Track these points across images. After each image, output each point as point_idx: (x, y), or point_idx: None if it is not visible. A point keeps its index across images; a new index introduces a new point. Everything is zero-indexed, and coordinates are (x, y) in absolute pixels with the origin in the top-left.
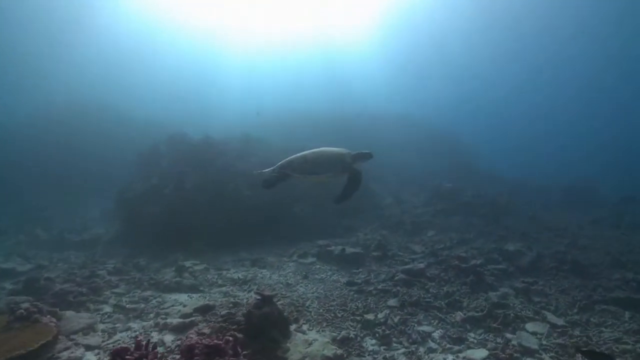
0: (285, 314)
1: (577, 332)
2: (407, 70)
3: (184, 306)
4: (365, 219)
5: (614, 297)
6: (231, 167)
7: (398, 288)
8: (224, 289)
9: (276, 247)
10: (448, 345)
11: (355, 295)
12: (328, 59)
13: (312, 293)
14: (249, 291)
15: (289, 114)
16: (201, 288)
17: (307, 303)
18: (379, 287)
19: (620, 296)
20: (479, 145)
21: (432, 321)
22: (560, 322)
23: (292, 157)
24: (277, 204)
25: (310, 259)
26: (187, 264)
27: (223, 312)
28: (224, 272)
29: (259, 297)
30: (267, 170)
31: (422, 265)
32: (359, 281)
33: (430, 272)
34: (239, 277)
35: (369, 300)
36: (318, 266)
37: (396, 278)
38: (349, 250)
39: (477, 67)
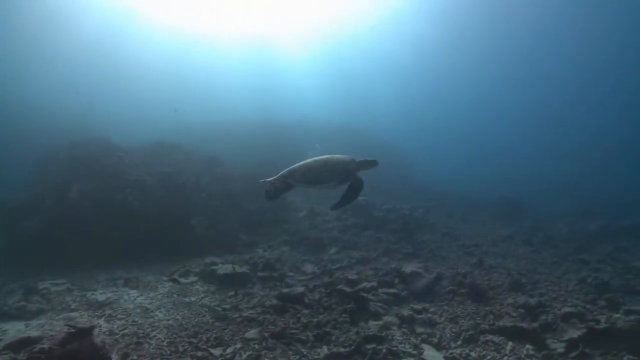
0: (116, 347)
1: None
2: (349, 81)
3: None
4: (270, 233)
5: (501, 325)
6: (126, 174)
7: (267, 316)
8: (73, 314)
9: (162, 263)
10: None
11: (216, 324)
12: (263, 66)
13: (168, 320)
14: (101, 317)
15: (219, 121)
16: (49, 314)
17: (154, 333)
18: (246, 314)
19: (507, 325)
20: (420, 158)
21: (292, 357)
22: (438, 358)
23: (295, 165)
24: (172, 216)
25: (191, 279)
26: (44, 284)
27: (35, 349)
28: (89, 294)
29: (71, 330)
30: (269, 179)
31: (301, 289)
32: (227, 306)
33: (310, 297)
34: (98, 300)
35: (226, 330)
36: (197, 287)
37: (267, 304)
38: (238, 269)
39: (426, 78)
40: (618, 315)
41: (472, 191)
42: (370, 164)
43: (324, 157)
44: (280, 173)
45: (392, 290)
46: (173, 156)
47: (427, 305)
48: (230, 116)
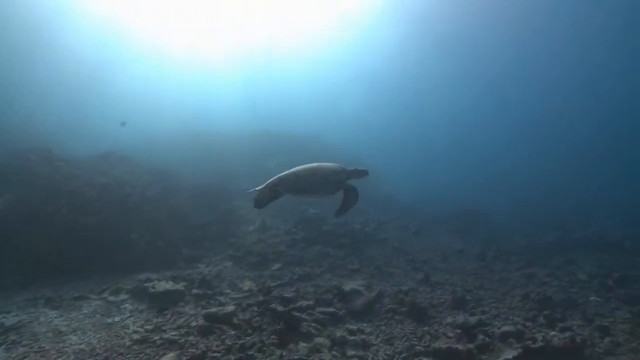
0: None
1: None
2: (316, 92)
3: None
4: (215, 248)
5: (436, 347)
6: (62, 185)
7: (189, 337)
8: None
9: (97, 280)
10: None
11: (134, 347)
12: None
13: (80, 344)
14: (1, 344)
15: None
16: None
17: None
18: (167, 335)
19: (442, 346)
20: (387, 170)
21: None
22: None
23: (283, 174)
24: (111, 230)
25: (121, 297)
26: None
27: None
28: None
29: None
30: (257, 188)
31: (231, 309)
32: (151, 327)
33: (241, 316)
34: (4, 325)
35: (142, 355)
36: (126, 305)
37: (193, 324)
38: (172, 286)
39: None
40: (554, 333)
41: (439, 203)
42: (360, 173)
43: (313, 165)
44: (269, 181)
45: (329, 309)
46: (120, 168)
47: (364, 325)
48: (192, 128)
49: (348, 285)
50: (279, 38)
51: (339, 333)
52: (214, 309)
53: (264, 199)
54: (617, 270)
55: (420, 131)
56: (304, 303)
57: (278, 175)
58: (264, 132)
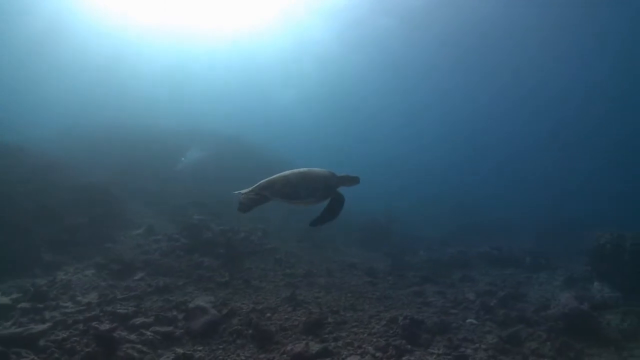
0: None
1: None
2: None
3: None
4: (83, 253)
5: None
6: None
7: None
8: None
9: None
10: None
11: None
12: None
13: None
14: None
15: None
16: None
17: None
18: None
19: None
20: None
21: None
22: None
23: (272, 177)
24: None
25: None
26: None
27: None
28: None
29: None
30: (244, 191)
31: (42, 328)
32: None
33: (53, 337)
34: None
35: None
36: None
37: None
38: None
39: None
40: None
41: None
42: (351, 180)
43: (303, 170)
44: (256, 184)
45: (165, 329)
46: (5, 160)
47: (199, 348)
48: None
49: (196, 302)
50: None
51: (164, 357)
52: (18, 329)
53: (249, 203)
54: (508, 287)
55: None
56: (138, 320)
57: (267, 179)
58: (186, 130)
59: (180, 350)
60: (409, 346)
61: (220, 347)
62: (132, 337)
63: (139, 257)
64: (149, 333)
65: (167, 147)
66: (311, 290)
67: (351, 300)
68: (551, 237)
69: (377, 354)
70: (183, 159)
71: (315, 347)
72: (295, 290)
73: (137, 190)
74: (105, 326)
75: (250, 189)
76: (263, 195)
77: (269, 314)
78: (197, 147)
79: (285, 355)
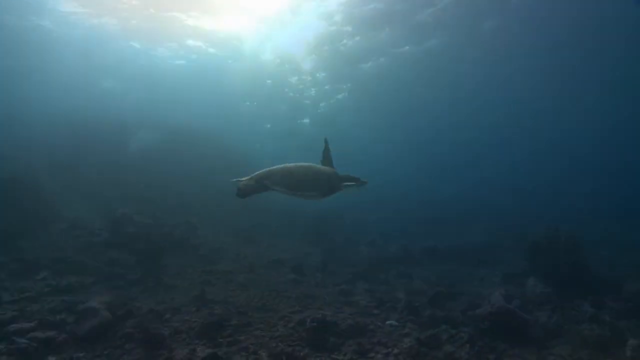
0: None
1: None
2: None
3: None
4: None
5: None
6: None
7: None
8: None
9: None
10: None
11: None
12: None
13: None
14: None
15: None
16: None
17: None
18: None
19: None
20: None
21: None
22: None
23: (273, 168)
24: None
25: None
26: None
27: None
28: None
29: None
30: (243, 179)
31: None
32: None
33: None
34: None
35: None
36: None
37: None
38: None
39: None
40: None
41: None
42: (355, 181)
43: (305, 164)
44: (257, 172)
45: (48, 334)
46: None
47: (79, 355)
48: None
49: (90, 303)
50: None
51: None
52: None
53: (247, 190)
54: (444, 284)
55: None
56: (15, 327)
57: (268, 169)
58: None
59: (52, 359)
60: (308, 351)
61: (105, 352)
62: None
63: (50, 255)
64: (23, 340)
65: (111, 138)
66: (226, 288)
67: (266, 300)
68: (505, 233)
69: None
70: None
71: (203, 352)
72: (208, 288)
73: (75, 183)
74: None
75: (250, 177)
76: (262, 184)
77: (168, 315)
78: (145, 134)
79: None
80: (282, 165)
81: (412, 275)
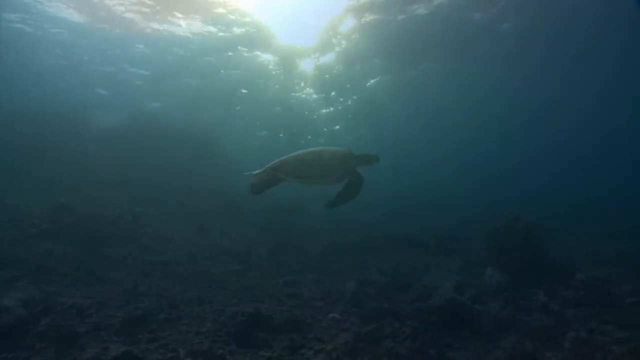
0: None
1: None
2: None
3: None
4: None
5: None
6: None
7: None
8: None
9: None
10: None
11: None
12: None
13: None
14: None
15: None
16: None
17: None
18: None
19: None
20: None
21: None
22: None
23: (285, 157)
24: None
25: None
26: None
27: None
28: None
29: None
30: (256, 172)
31: None
32: None
33: None
34: None
35: None
36: None
37: None
38: None
39: None
40: None
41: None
42: (370, 158)
43: (318, 149)
44: (269, 164)
45: None
46: None
47: None
48: None
49: (3, 300)
50: None
51: None
52: None
53: (261, 184)
54: (399, 274)
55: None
56: None
57: (280, 159)
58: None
59: None
60: (233, 347)
61: (10, 355)
62: None
63: None
64: None
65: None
66: (164, 280)
67: (203, 292)
68: (472, 221)
69: None
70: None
71: (116, 351)
72: (143, 280)
73: (26, 173)
74: None
75: (263, 169)
76: (276, 176)
77: (91, 310)
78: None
79: None
80: (294, 154)
81: (368, 264)
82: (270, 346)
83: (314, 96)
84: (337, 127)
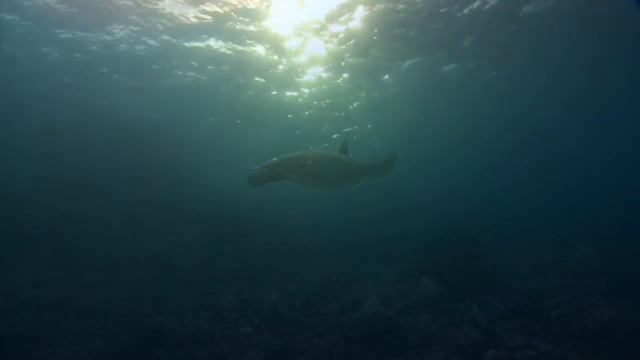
0: None
1: None
2: None
3: None
4: None
5: None
6: None
7: None
8: None
9: None
10: None
11: None
12: None
13: None
14: None
15: None
16: None
17: None
18: None
19: None
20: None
21: None
22: None
23: (287, 155)
24: None
25: None
26: None
27: None
28: None
29: None
30: (256, 167)
31: None
32: None
33: None
34: None
35: None
36: None
37: None
38: None
39: None
40: None
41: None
42: (387, 167)
43: (323, 152)
44: (271, 160)
45: None
46: None
47: None
48: None
49: None
50: None
51: None
52: None
53: (260, 178)
54: (331, 284)
55: None
56: None
57: (283, 156)
58: None
59: None
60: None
61: None
62: None
63: None
64: None
65: None
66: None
67: (110, 302)
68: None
69: None
70: None
71: None
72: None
73: None
74: None
75: (264, 164)
76: (277, 172)
77: None
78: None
79: None
80: (298, 153)
81: (301, 272)
82: None
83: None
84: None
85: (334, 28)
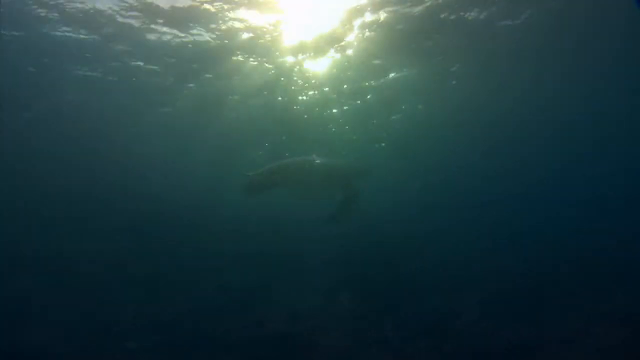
0: None
1: None
2: None
3: None
4: None
5: None
6: None
7: None
8: None
9: None
10: None
11: None
12: None
13: None
14: None
15: None
16: None
17: None
18: None
19: None
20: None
21: None
22: None
23: (284, 161)
24: None
25: None
26: None
27: None
28: None
29: None
30: (253, 173)
31: None
32: None
33: None
34: None
35: None
36: None
37: None
38: None
39: None
40: None
41: None
42: (362, 172)
43: (318, 158)
44: (267, 167)
45: None
46: None
47: None
48: None
49: None
50: None
51: None
52: None
53: (258, 187)
54: (250, 294)
55: None
56: None
57: (277, 163)
58: None
59: None
60: None
61: None
62: None
63: None
64: None
65: None
66: None
67: None
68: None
69: None
70: None
71: None
72: None
73: None
74: None
75: (260, 171)
76: (274, 180)
77: None
78: None
79: None
80: (293, 159)
81: (217, 281)
82: None
83: None
84: None
85: None
